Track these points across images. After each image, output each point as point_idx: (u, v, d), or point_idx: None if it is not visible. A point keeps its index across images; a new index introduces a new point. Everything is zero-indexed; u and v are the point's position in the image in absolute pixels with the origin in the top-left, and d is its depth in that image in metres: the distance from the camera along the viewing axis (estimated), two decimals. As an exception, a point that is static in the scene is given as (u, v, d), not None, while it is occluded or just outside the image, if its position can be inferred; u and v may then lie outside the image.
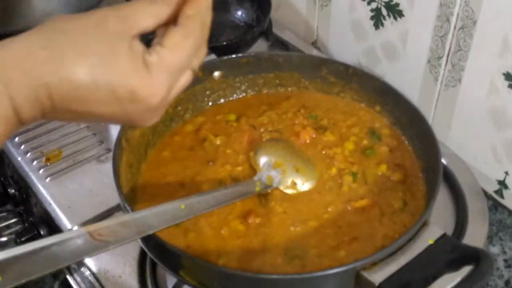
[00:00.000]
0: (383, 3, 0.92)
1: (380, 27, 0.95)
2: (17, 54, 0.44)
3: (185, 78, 0.50)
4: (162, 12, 0.48)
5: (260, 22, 1.06)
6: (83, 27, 0.46)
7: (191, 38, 0.49)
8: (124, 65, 0.46)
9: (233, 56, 0.85)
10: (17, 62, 0.44)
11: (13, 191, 0.95)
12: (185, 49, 0.48)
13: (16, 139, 0.91)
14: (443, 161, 0.74)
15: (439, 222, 0.65)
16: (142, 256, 0.76)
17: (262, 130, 0.81)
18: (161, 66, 0.47)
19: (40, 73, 0.44)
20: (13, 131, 0.46)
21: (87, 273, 0.76)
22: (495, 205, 0.86)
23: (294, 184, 0.72)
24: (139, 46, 0.47)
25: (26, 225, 0.93)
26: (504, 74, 0.78)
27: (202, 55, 0.51)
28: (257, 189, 0.70)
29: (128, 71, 0.46)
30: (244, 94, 0.87)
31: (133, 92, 0.46)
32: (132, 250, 0.76)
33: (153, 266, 0.75)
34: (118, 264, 0.76)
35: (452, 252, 0.59)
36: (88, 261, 0.76)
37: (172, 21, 0.49)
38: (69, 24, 0.46)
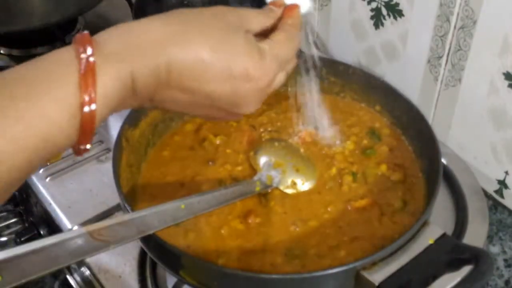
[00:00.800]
0: (383, 3, 0.92)
1: (380, 27, 0.95)
2: (146, 29, 0.49)
3: (282, 76, 0.56)
4: (266, 22, 0.56)
5: (260, 22, 1.05)
6: (205, 14, 0.52)
7: (292, 40, 0.56)
8: (241, 48, 0.51)
9: (233, 56, 0.85)
10: (145, 34, 0.49)
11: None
12: (289, 46, 0.56)
13: (16, 139, 0.91)
14: (443, 161, 0.74)
15: (439, 222, 0.65)
16: (142, 256, 0.76)
17: (261, 129, 0.81)
18: (272, 53, 0.53)
19: (164, 46, 0.48)
20: (128, 102, 0.49)
21: (87, 273, 0.77)
22: (495, 205, 0.86)
23: (294, 184, 0.72)
24: (251, 35, 0.53)
25: (26, 225, 0.93)
26: (504, 74, 0.78)
27: (294, 62, 0.58)
28: (257, 189, 0.70)
29: (244, 53, 0.51)
30: (244, 94, 0.87)
31: (247, 70, 0.51)
32: (132, 250, 0.76)
33: (153, 266, 0.75)
34: (118, 264, 0.76)
35: (452, 252, 0.59)
36: (88, 261, 0.76)
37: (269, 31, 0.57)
38: (192, 12, 0.52)
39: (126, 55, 0.47)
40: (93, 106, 0.45)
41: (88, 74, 0.45)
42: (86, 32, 0.48)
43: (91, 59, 0.45)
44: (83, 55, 0.45)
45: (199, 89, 0.50)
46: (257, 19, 0.55)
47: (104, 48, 0.47)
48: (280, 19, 0.57)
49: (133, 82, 0.48)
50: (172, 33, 0.49)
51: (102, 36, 0.48)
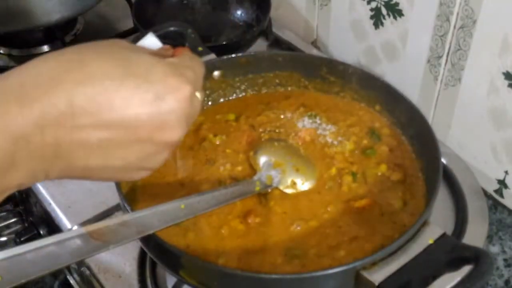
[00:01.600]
0: (382, 3, 0.92)
1: (380, 27, 0.95)
2: (33, 66, 0.42)
3: (199, 96, 0.50)
4: (160, 54, 0.50)
5: (260, 22, 1.06)
6: (99, 43, 0.46)
7: (197, 59, 0.51)
8: (149, 63, 0.45)
9: (233, 55, 0.85)
10: (31, 72, 0.41)
11: (13, 191, 0.95)
12: (198, 63, 0.50)
13: (16, 139, 0.91)
14: (443, 160, 0.74)
15: (439, 222, 0.65)
16: (142, 256, 0.76)
17: (261, 129, 0.81)
18: (183, 64, 0.48)
19: (60, 80, 0.41)
20: (26, 161, 0.40)
21: (87, 273, 0.77)
22: (495, 205, 0.86)
23: (294, 184, 0.72)
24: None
25: (26, 225, 0.94)
26: (504, 73, 0.78)
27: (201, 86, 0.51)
28: (257, 188, 0.70)
29: (155, 67, 0.45)
30: (243, 94, 0.87)
31: (164, 80, 0.44)
32: (132, 250, 0.76)
33: (153, 266, 0.75)
34: (118, 264, 0.76)
35: (452, 252, 0.59)
36: (88, 261, 0.76)
37: None
38: (85, 43, 0.46)
39: (5, 99, 0.39)
40: None
41: None
42: None
43: None
44: None
45: (116, 118, 0.42)
46: (151, 51, 0.50)
47: None
48: (173, 53, 0.52)
49: (19, 130, 0.39)
50: (66, 64, 0.42)
51: None
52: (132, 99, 0.43)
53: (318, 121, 0.82)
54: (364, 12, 0.96)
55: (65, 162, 0.42)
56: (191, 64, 0.49)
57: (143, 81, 0.43)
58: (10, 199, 0.96)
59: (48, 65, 0.42)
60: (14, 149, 0.39)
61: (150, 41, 0.53)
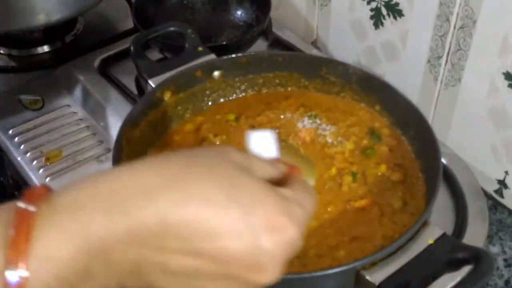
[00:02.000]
0: (382, 3, 0.92)
1: (380, 27, 0.95)
2: (127, 173, 0.39)
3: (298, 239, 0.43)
4: (273, 173, 0.46)
5: (260, 22, 1.06)
6: (206, 152, 0.43)
7: (313, 195, 0.47)
8: (259, 191, 0.41)
9: (233, 55, 0.85)
10: (123, 180, 0.38)
11: (13, 191, 0.95)
12: (312, 199, 0.46)
13: (16, 139, 0.91)
14: (443, 160, 0.74)
15: (439, 222, 0.65)
16: (142, 256, 0.76)
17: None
18: (297, 200, 0.43)
19: (155, 194, 0.37)
20: (99, 278, 0.36)
21: (87, 273, 0.76)
22: (495, 205, 0.86)
23: (294, 184, 0.72)
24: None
25: (26, 225, 0.93)
26: (504, 73, 0.77)
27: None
28: (257, 189, 0.70)
29: (265, 198, 0.40)
30: (243, 94, 0.87)
31: (271, 218, 0.40)
32: (132, 250, 0.76)
33: (153, 266, 0.75)
34: (118, 264, 0.76)
35: (452, 252, 0.59)
36: (88, 261, 0.76)
37: None
38: (190, 151, 0.42)
39: (92, 207, 0.36)
40: (23, 272, 0.33)
41: (20, 226, 0.34)
42: (46, 184, 0.38)
43: (31, 208, 0.35)
44: (21, 204, 0.35)
45: (207, 248, 0.38)
46: (265, 166, 0.45)
47: (58, 199, 0.36)
48: (286, 175, 0.47)
49: (100, 243, 0.35)
50: (167, 179, 0.38)
51: (62, 189, 0.38)
52: (228, 230, 0.38)
53: (318, 121, 0.82)
54: (364, 12, 0.96)
55: (142, 283, 0.38)
56: (303, 198, 0.44)
57: (245, 213, 0.39)
58: (10, 198, 0.96)
59: (147, 176, 0.38)
60: (91, 261, 0.35)
61: (267, 141, 0.50)
